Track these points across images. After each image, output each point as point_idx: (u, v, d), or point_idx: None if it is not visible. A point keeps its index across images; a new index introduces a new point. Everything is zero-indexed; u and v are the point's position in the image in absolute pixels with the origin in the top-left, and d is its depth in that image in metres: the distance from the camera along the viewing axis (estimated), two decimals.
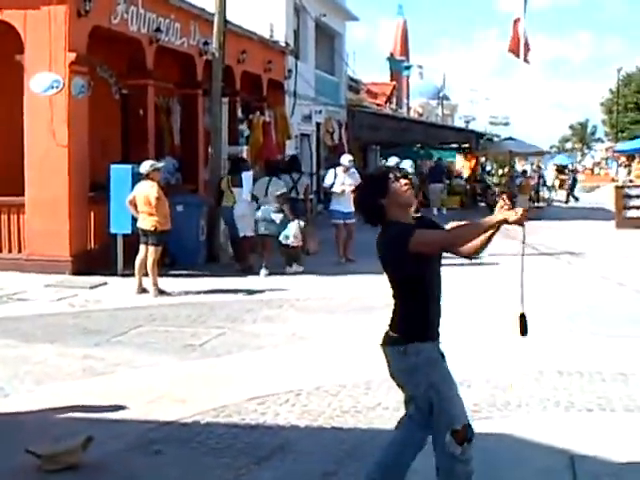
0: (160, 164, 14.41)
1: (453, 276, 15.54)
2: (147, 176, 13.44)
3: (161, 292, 13.28)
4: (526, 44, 31.22)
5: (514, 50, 31.34)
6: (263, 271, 15.45)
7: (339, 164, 17.56)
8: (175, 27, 18.84)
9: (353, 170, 17.46)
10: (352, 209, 16.27)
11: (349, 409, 7.47)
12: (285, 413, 7.38)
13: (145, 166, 13.54)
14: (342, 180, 17.05)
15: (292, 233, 15.30)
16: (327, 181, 17.51)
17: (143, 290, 13.33)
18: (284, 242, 15.45)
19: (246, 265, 16.05)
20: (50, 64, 14.78)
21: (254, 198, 15.67)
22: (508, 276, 15.71)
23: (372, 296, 12.61)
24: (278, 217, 15.36)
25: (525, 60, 31.46)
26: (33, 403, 7.81)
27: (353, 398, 7.78)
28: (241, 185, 16.13)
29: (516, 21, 31.15)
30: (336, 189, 17.10)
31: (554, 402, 7.64)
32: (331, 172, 17.54)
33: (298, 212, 15.81)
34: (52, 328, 11.09)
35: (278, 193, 15.39)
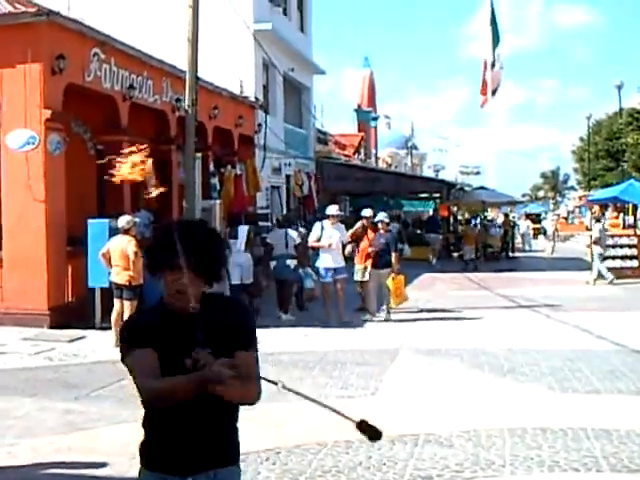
0: (137, 219, 14.69)
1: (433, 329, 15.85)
2: (125, 231, 13.69)
3: None
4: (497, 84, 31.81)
5: (484, 93, 32.01)
6: (285, 316, 16.88)
7: (325, 217, 17.27)
8: (148, 84, 19.21)
9: (338, 224, 17.08)
10: (342, 263, 16.66)
11: (330, 469, 7.40)
12: (266, 472, 7.32)
13: (122, 221, 13.79)
14: (330, 233, 16.62)
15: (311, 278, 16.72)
16: (313, 235, 16.99)
17: None
18: (308, 286, 17.06)
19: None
20: (26, 121, 15.07)
21: (269, 247, 17.19)
22: (490, 328, 16.18)
23: (347, 351, 12.97)
24: (292, 263, 16.89)
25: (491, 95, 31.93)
26: (14, 458, 7.80)
27: (334, 457, 7.71)
28: (236, 237, 16.74)
29: (485, 64, 31.86)
30: (323, 242, 16.62)
31: (538, 461, 7.54)
32: (317, 225, 17.11)
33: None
34: (32, 382, 11.13)
35: (296, 243, 16.94)
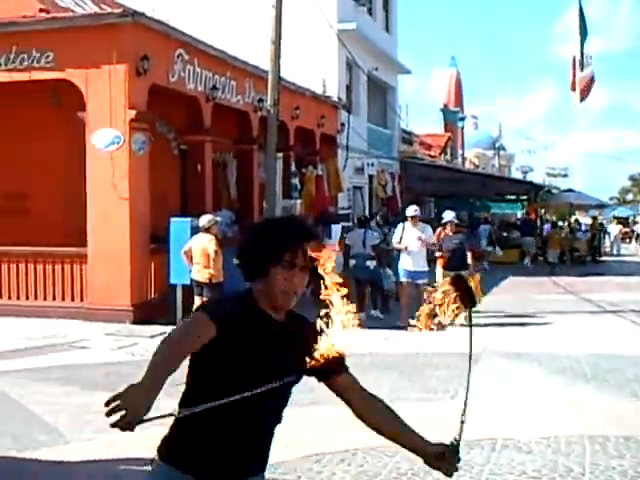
0: (218, 218, 14.88)
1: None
2: (206, 229, 13.87)
3: None
4: (586, 85, 31.28)
5: (574, 88, 31.43)
6: (374, 312, 16.92)
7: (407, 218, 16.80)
8: (231, 85, 19.43)
9: (423, 224, 16.69)
10: (423, 268, 16.20)
11: (406, 471, 7.34)
12: (341, 473, 7.31)
13: (204, 220, 13.99)
14: (410, 234, 16.20)
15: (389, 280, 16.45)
16: (395, 236, 16.67)
17: None
18: (386, 287, 16.97)
19: None
20: (111, 121, 15.35)
21: (347, 247, 17.10)
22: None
23: (428, 354, 12.93)
24: (372, 264, 16.72)
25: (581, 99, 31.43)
26: (93, 452, 7.94)
27: (410, 460, 7.43)
28: (330, 236, 16.97)
29: (574, 61, 31.31)
30: (402, 245, 16.29)
31: (620, 471, 7.32)
32: (399, 226, 16.81)
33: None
34: (113, 377, 11.30)
35: (374, 243, 16.85)
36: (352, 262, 17.12)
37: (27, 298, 16.29)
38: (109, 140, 15.36)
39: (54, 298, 16.11)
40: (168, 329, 13.58)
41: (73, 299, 15.95)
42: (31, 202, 17.49)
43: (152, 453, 7.87)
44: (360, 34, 29.58)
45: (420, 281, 15.87)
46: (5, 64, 15.91)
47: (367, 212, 31.64)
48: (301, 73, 24.39)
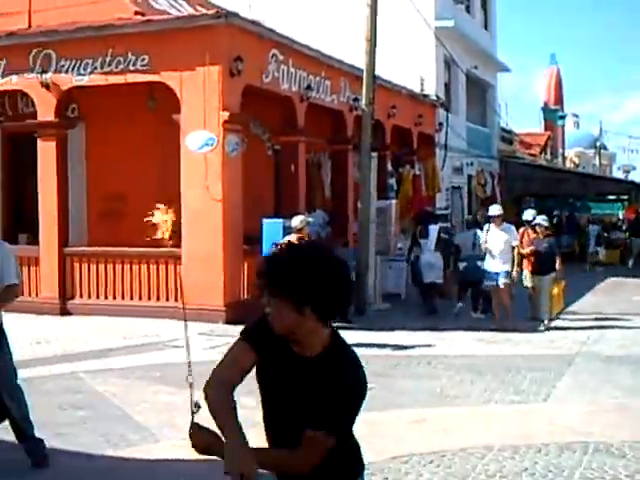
0: (310, 218, 14.84)
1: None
2: (298, 230, 13.85)
3: None
4: None
5: None
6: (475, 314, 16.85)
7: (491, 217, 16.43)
8: (325, 84, 19.36)
9: (507, 225, 16.28)
10: (502, 268, 15.79)
11: (494, 474, 7.26)
12: (428, 474, 7.25)
13: (296, 221, 13.97)
14: (494, 236, 15.89)
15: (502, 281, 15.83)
16: (482, 237, 16.34)
17: None
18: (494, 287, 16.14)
19: (432, 308, 17.28)
20: (205, 122, 15.41)
21: (458, 249, 17.21)
22: None
23: (522, 356, 12.71)
24: (482, 265, 16.25)
25: None
26: (183, 451, 8.04)
27: (499, 462, 7.57)
28: (427, 236, 16.92)
29: None
30: (484, 246, 16.12)
31: None
32: (485, 227, 16.53)
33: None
34: (205, 376, 11.38)
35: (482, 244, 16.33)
36: (462, 264, 16.99)
37: (122, 298, 16.52)
38: (203, 142, 15.42)
39: (149, 298, 16.30)
40: None
41: (167, 299, 16.09)
42: (128, 203, 17.70)
43: None
44: (458, 32, 29.27)
45: (500, 281, 15.69)
46: (101, 67, 16.14)
47: (466, 212, 31.36)
48: (398, 72, 24.21)
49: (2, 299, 7.20)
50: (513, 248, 15.92)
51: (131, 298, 16.45)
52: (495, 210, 16.34)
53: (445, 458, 7.69)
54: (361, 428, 8.78)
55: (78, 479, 7.43)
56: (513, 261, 15.91)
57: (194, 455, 7.70)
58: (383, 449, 7.85)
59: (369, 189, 17.69)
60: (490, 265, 15.91)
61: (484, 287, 16.41)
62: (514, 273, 15.88)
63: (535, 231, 16.53)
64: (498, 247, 15.71)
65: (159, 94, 16.59)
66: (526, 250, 16.25)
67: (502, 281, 15.68)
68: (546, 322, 15.88)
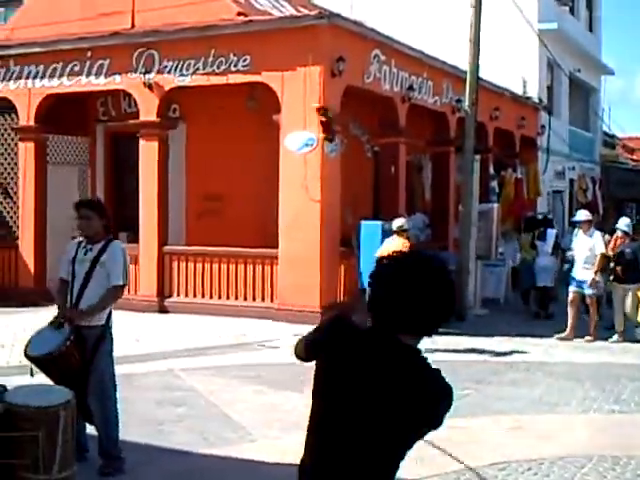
0: (410, 221, 14.72)
1: None
2: (398, 232, 13.68)
3: None
4: None
5: None
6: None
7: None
8: (427, 85, 19.16)
9: (594, 230, 15.48)
10: (585, 276, 15.07)
11: None
12: None
13: (398, 223, 13.81)
14: (581, 242, 15.29)
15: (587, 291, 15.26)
16: (572, 243, 15.96)
17: None
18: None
19: (547, 312, 17.27)
20: (305, 123, 15.37)
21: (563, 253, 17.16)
22: None
23: (623, 365, 12.42)
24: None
25: None
26: (279, 451, 7.96)
27: (599, 472, 7.43)
28: (545, 240, 17.15)
29: None
30: (569, 252, 15.70)
31: None
32: (574, 232, 16.06)
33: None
34: (301, 377, 11.33)
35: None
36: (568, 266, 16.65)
37: (219, 297, 16.59)
38: (302, 142, 15.39)
39: (245, 298, 16.33)
40: None
41: (263, 299, 16.10)
42: (227, 203, 17.79)
43: None
44: (562, 34, 28.72)
45: (587, 291, 15.04)
46: (203, 67, 16.24)
47: (567, 217, 30.78)
48: (500, 73, 23.86)
49: (105, 299, 7.25)
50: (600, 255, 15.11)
51: (227, 298, 16.50)
52: (582, 215, 15.69)
53: (543, 466, 7.60)
54: (459, 434, 8.69)
55: (178, 477, 7.46)
56: (603, 269, 15.19)
57: (291, 455, 7.72)
58: (481, 455, 7.84)
59: (471, 192, 17.43)
60: (575, 272, 15.35)
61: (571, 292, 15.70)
62: (595, 279, 15.05)
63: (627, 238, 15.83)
64: (583, 253, 15.09)
65: (259, 94, 16.61)
66: (610, 253, 15.41)
67: (588, 292, 15.07)
68: (617, 336, 15.00)
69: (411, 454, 8.14)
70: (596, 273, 15.06)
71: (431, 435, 8.67)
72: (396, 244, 13.52)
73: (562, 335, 15.01)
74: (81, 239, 7.52)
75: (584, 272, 15.06)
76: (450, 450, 8.06)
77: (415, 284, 3.11)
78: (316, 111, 15.12)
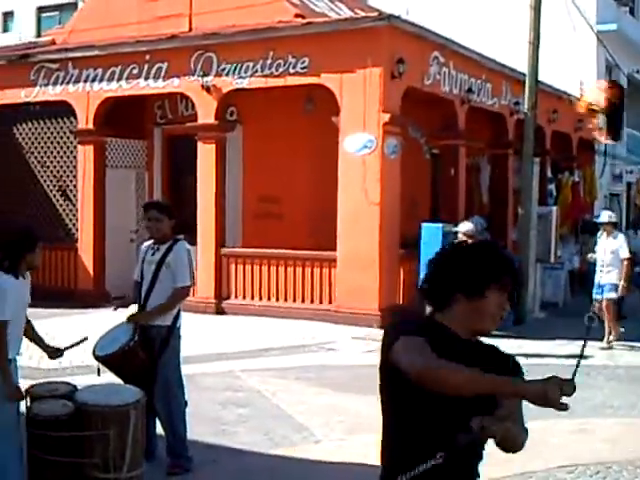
0: (471, 224, 14.57)
1: None
2: (467, 236, 13.57)
3: None
4: None
5: None
6: None
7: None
8: (486, 87, 19.02)
9: (618, 233, 15.01)
10: (608, 280, 14.57)
11: None
12: None
13: (465, 226, 13.73)
14: (602, 244, 14.76)
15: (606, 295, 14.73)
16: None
17: None
18: None
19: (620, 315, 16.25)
20: (364, 125, 15.31)
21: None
22: None
23: None
24: None
25: None
26: (344, 452, 8.03)
27: None
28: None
29: None
30: (590, 255, 15.32)
31: None
32: (598, 234, 15.42)
33: None
34: (362, 379, 11.30)
35: None
36: (638, 269, 16.38)
37: (277, 299, 16.58)
38: (361, 144, 15.34)
39: (303, 300, 16.29)
40: None
41: (321, 302, 16.06)
42: (284, 205, 17.79)
43: None
44: (621, 35, 28.39)
45: (607, 295, 14.49)
46: (261, 70, 16.24)
47: (624, 221, 30.42)
48: (558, 75, 23.60)
49: (171, 300, 7.28)
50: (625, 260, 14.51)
51: (285, 300, 16.48)
52: (605, 217, 15.17)
53: (611, 470, 7.53)
54: (529, 434, 8.47)
55: (245, 476, 7.48)
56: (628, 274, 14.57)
57: (355, 457, 7.75)
58: (548, 457, 7.75)
59: (530, 195, 17.27)
60: (598, 276, 14.83)
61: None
62: (624, 285, 14.45)
63: None
64: (606, 256, 14.60)
65: (317, 97, 16.60)
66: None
67: (606, 295, 14.54)
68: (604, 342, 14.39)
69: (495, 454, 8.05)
70: (624, 280, 14.49)
71: None
72: None
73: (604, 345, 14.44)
74: (152, 241, 7.58)
75: (607, 276, 14.54)
76: (522, 451, 7.96)
77: (463, 253, 3.39)
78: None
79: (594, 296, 14.80)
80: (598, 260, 14.80)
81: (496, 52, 19.98)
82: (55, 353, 6.48)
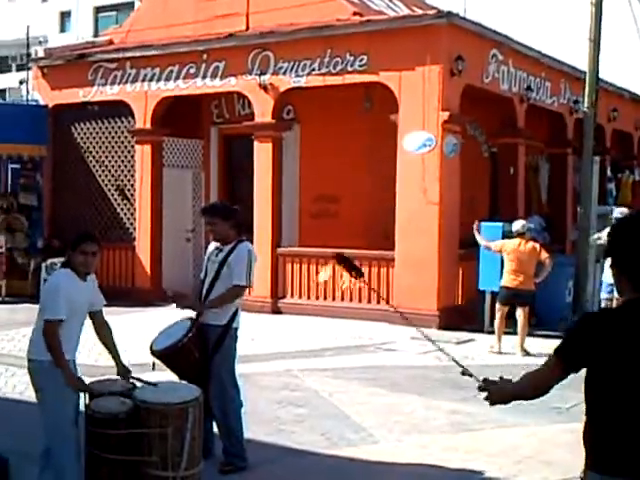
0: (531, 224, 14.38)
1: None
2: (520, 235, 13.42)
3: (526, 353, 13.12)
4: None
5: None
6: None
7: None
8: (545, 86, 18.77)
9: None
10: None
11: None
12: None
13: (517, 225, 13.58)
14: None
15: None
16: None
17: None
18: None
19: None
20: (423, 123, 15.16)
21: None
22: None
23: None
24: None
25: None
26: (403, 453, 7.94)
27: None
28: None
29: None
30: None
31: None
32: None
33: None
34: (420, 380, 11.25)
35: None
36: None
37: (333, 299, 16.47)
38: (420, 143, 15.19)
39: (360, 300, 16.16)
40: (475, 336, 13.41)
41: (378, 302, 15.91)
42: (340, 204, 17.71)
43: (462, 456, 7.65)
44: None
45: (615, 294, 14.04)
46: (319, 68, 16.17)
47: None
48: (619, 72, 23.28)
49: (223, 296, 7.31)
50: None
51: (342, 300, 16.38)
52: (617, 212, 15.09)
53: None
54: (580, 437, 8.28)
55: (303, 477, 7.44)
56: None
57: (415, 458, 7.66)
58: None
59: (590, 194, 16.96)
60: (605, 275, 14.38)
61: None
62: None
63: None
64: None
65: (375, 95, 16.48)
66: None
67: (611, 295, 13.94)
68: None
69: (538, 456, 7.92)
70: None
71: (552, 435, 8.36)
72: (513, 242, 13.31)
73: None
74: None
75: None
76: (574, 454, 7.81)
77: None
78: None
79: (605, 295, 14.33)
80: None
81: (555, 49, 19.73)
82: (125, 373, 6.44)
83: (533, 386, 3.73)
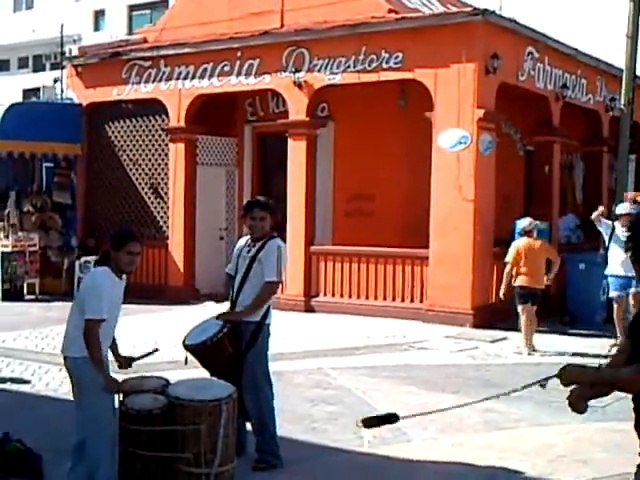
0: (537, 222, 14.17)
1: None
2: (527, 232, 13.44)
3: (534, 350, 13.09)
4: None
5: None
6: None
7: None
8: (581, 83, 18.59)
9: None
10: (631, 272, 13.58)
11: None
12: None
13: (524, 222, 13.63)
14: (617, 236, 13.69)
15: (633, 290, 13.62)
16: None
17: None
18: None
19: None
20: (458, 121, 15.08)
21: None
22: None
23: None
24: None
25: None
26: (437, 451, 7.93)
27: None
28: None
29: None
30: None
31: None
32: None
33: None
34: (453, 378, 11.20)
35: None
36: None
37: (367, 297, 16.40)
38: (455, 140, 15.10)
39: (393, 298, 16.10)
40: (508, 334, 13.30)
41: (412, 300, 15.86)
42: (375, 202, 17.63)
43: (497, 454, 7.59)
44: None
45: (632, 289, 13.39)
46: (354, 65, 16.11)
47: None
48: None
49: (259, 297, 7.35)
50: None
51: (375, 298, 16.30)
52: (621, 209, 14.26)
53: None
54: (615, 435, 8.29)
55: (338, 475, 7.42)
56: None
57: (448, 456, 7.62)
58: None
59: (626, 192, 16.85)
60: (612, 269, 13.89)
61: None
62: None
63: None
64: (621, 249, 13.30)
65: (410, 92, 16.42)
66: None
67: (632, 290, 13.48)
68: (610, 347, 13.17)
69: (572, 455, 7.85)
70: None
71: (587, 433, 8.27)
72: (523, 242, 13.24)
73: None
74: (249, 237, 7.59)
75: (622, 269, 13.35)
76: (609, 453, 7.80)
77: None
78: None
79: (615, 293, 13.80)
80: (613, 252, 13.75)
81: (592, 46, 19.52)
82: (127, 363, 6.45)
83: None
